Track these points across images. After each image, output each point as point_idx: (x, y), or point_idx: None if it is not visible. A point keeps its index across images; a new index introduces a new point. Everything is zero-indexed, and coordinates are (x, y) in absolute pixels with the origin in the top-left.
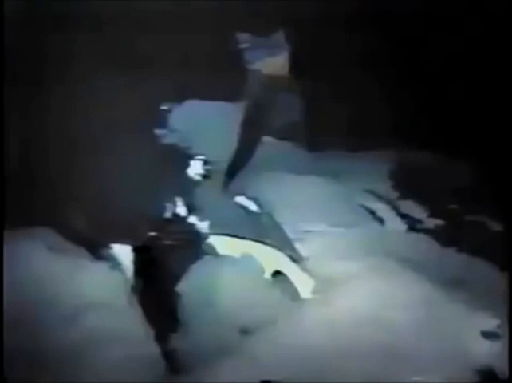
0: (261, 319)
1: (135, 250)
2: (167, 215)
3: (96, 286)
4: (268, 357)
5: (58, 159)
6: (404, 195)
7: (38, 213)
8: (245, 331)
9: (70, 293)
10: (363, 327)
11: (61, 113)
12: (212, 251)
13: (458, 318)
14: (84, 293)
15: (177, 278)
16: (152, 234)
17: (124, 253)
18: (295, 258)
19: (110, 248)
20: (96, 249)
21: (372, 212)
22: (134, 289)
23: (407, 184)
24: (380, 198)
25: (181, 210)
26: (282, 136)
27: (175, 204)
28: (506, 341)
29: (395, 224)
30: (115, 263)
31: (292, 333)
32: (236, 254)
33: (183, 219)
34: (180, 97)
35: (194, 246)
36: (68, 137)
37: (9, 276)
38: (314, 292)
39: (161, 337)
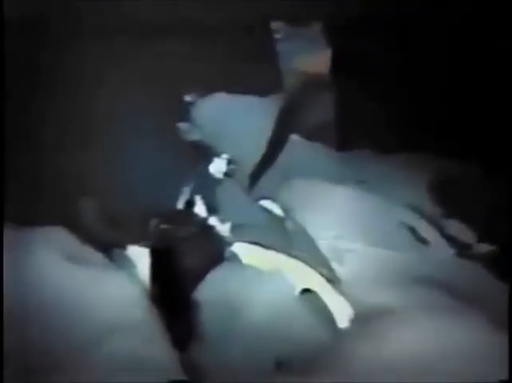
0: (296, 349)
1: (152, 252)
2: (180, 206)
3: (120, 303)
4: None
5: (66, 151)
6: (448, 213)
7: (47, 210)
8: (277, 362)
9: (90, 314)
10: (413, 373)
11: (71, 100)
12: (234, 259)
13: None
14: (106, 314)
15: (195, 284)
16: (164, 226)
17: (140, 256)
18: (330, 279)
19: (126, 249)
20: (111, 250)
21: (414, 232)
22: (152, 295)
23: (451, 199)
24: (422, 215)
25: (200, 209)
26: (311, 135)
27: (191, 197)
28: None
29: (441, 248)
30: (130, 266)
31: (331, 372)
32: (262, 265)
33: (203, 219)
34: (207, 89)
35: (213, 249)
36: (79, 126)
37: (14, 287)
38: (353, 322)
39: (179, 346)
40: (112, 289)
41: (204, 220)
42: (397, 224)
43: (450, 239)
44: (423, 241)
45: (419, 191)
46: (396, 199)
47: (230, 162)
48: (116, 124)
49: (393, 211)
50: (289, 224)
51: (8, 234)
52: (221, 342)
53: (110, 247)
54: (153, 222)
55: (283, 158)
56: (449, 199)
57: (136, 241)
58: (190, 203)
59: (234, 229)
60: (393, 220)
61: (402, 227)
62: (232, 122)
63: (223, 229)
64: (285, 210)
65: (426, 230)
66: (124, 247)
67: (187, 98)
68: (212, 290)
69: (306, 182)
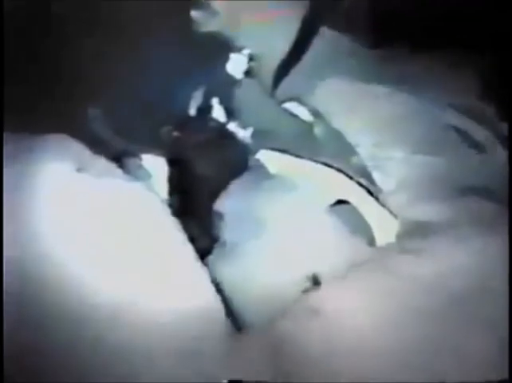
0: (333, 265)
1: (169, 162)
2: (192, 112)
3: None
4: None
5: (72, 55)
6: (501, 113)
7: (52, 117)
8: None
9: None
10: (472, 296)
11: None
12: (259, 168)
13: None
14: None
15: (217, 195)
16: (177, 134)
17: (156, 165)
18: (370, 190)
19: (140, 159)
20: (123, 159)
21: (466, 135)
22: (172, 208)
23: (502, 98)
24: (472, 116)
25: (218, 114)
26: (344, 28)
27: (206, 102)
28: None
29: (496, 152)
30: (145, 177)
31: (370, 290)
32: (290, 174)
33: (221, 124)
34: None
35: (235, 157)
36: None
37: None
38: (399, 237)
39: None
40: (129, 200)
41: (222, 126)
42: (443, 128)
43: (506, 143)
44: (476, 145)
45: (465, 90)
46: (441, 100)
47: (251, 58)
48: (122, 20)
49: (438, 113)
50: (319, 130)
51: (11, 144)
52: (245, 256)
53: (122, 157)
54: (165, 129)
55: (312, 54)
56: (500, 98)
57: (150, 150)
58: (204, 109)
59: (256, 135)
60: (439, 123)
61: (449, 131)
62: (254, 10)
63: (244, 135)
64: (314, 113)
65: (478, 132)
66: (137, 157)
67: None
68: (236, 201)
69: (339, 82)
